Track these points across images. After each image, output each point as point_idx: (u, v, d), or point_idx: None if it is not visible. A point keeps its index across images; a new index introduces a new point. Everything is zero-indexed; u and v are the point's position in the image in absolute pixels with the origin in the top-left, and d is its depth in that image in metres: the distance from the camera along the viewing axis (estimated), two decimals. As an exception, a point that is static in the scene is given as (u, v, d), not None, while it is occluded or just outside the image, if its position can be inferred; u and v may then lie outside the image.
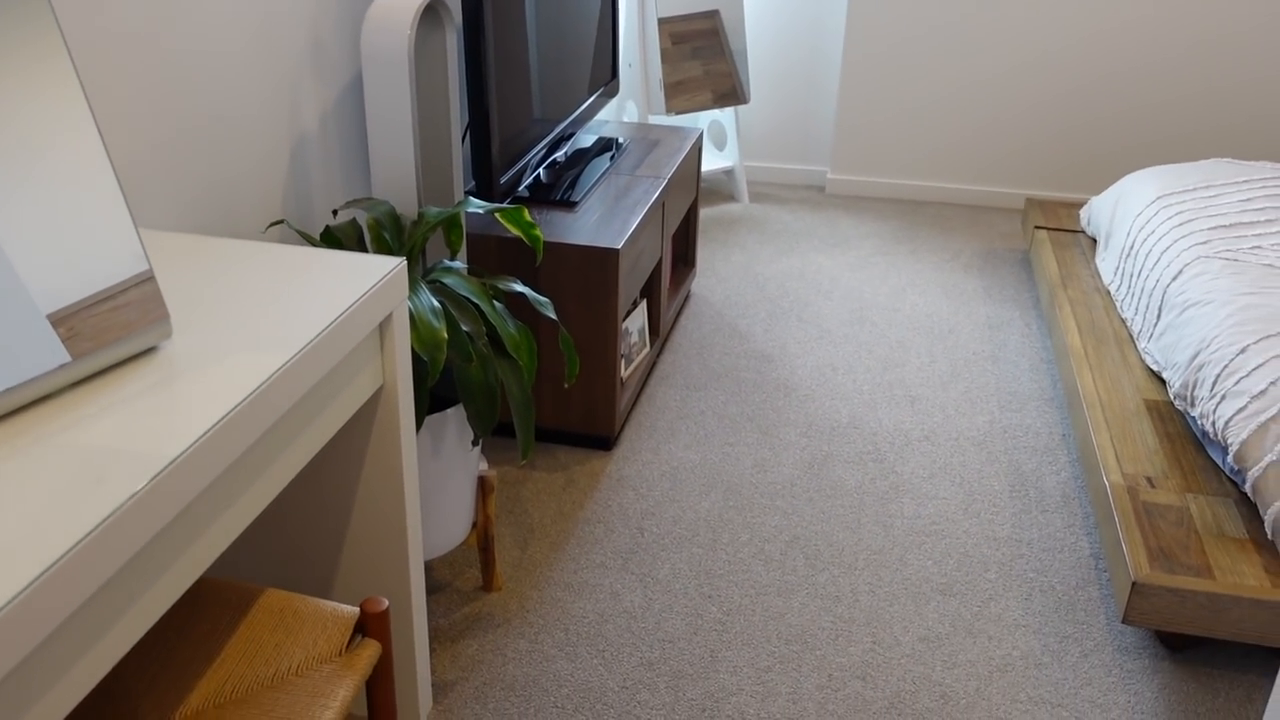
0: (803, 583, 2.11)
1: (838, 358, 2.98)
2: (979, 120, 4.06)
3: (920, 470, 2.48)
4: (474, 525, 2.04)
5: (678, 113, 3.79)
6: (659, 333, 2.90)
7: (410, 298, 1.65)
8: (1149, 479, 2.07)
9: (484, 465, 2.33)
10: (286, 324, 1.29)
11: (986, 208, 4.16)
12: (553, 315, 1.93)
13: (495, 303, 1.91)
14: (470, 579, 2.12)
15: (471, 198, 1.96)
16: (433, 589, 2.09)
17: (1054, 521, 2.30)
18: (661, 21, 3.78)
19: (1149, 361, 2.46)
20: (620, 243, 2.35)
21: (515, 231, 1.96)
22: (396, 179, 2.06)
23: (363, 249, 1.94)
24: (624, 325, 2.65)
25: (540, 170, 2.76)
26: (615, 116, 4.07)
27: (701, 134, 3.20)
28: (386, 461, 1.58)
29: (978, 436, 2.62)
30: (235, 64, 1.80)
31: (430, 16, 2.09)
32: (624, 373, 2.66)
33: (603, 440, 2.54)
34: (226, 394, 1.12)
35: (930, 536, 2.25)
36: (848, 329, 3.15)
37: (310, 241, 1.82)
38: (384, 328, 1.48)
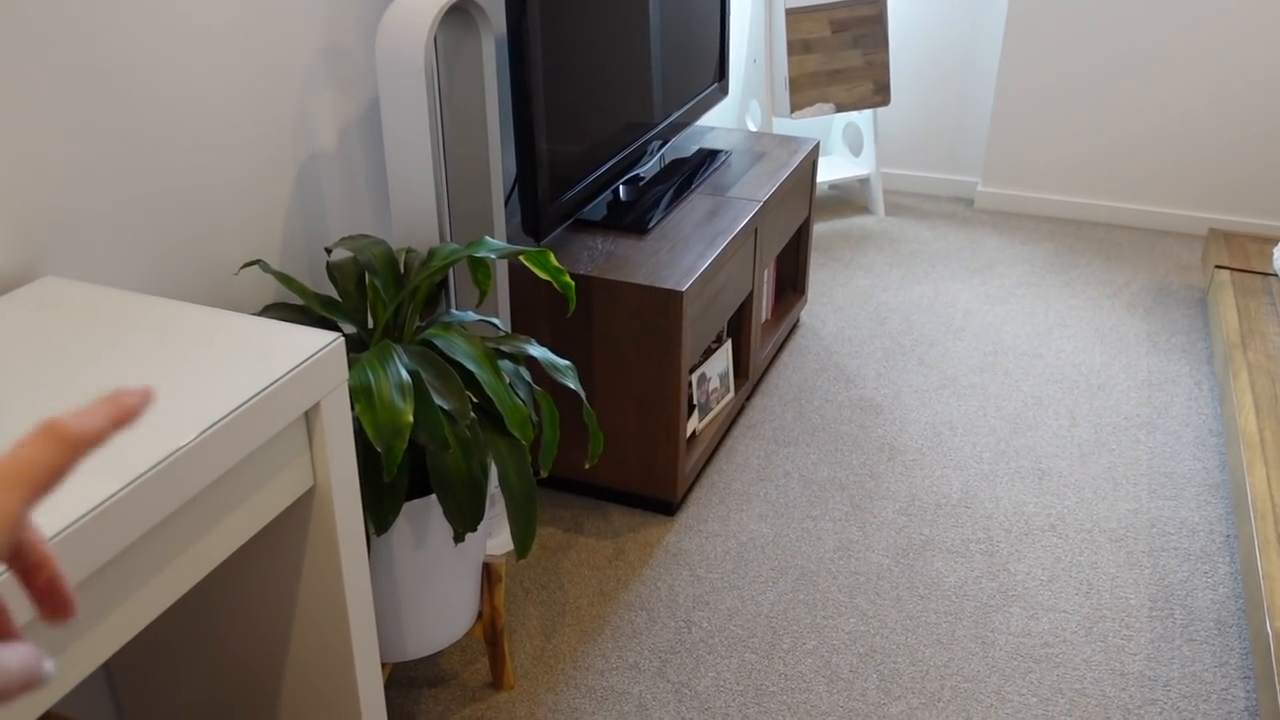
0: (871, 714, 1.74)
1: (958, 414, 2.56)
2: (1157, 129, 3.50)
3: (1039, 570, 2.05)
4: (480, 616, 1.75)
5: (834, 107, 3.40)
6: (748, 375, 2.54)
7: (372, 370, 1.37)
8: (1329, 631, 1.60)
9: (494, 545, 2.04)
10: (168, 416, 1.02)
11: (1163, 233, 3.60)
12: (573, 385, 1.61)
13: (506, 364, 1.61)
14: (480, 671, 1.83)
15: (488, 238, 1.66)
16: (435, 681, 1.82)
17: (1203, 657, 1.85)
18: (818, 8, 3.39)
19: (1344, 459, 1.96)
20: (687, 284, 2.00)
21: (544, 276, 1.65)
22: (416, 208, 1.79)
23: (363, 294, 1.67)
24: (701, 370, 2.31)
25: (620, 187, 2.44)
26: (736, 119, 3.70)
27: (817, 145, 2.81)
28: (324, 576, 1.30)
29: (1117, 530, 2.16)
30: (219, 67, 1.54)
31: (468, 21, 1.80)
32: (698, 425, 2.32)
33: (664, 505, 2.21)
34: (69, 504, 0.87)
35: (1040, 663, 1.84)
36: (976, 378, 2.72)
37: (290, 285, 1.56)
38: (311, 418, 1.20)
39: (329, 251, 1.68)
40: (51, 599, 0.45)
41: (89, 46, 1.33)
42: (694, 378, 2.29)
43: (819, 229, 3.62)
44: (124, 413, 0.44)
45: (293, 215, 1.77)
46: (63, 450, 0.42)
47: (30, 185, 1.29)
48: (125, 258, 1.45)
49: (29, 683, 0.41)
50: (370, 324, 1.67)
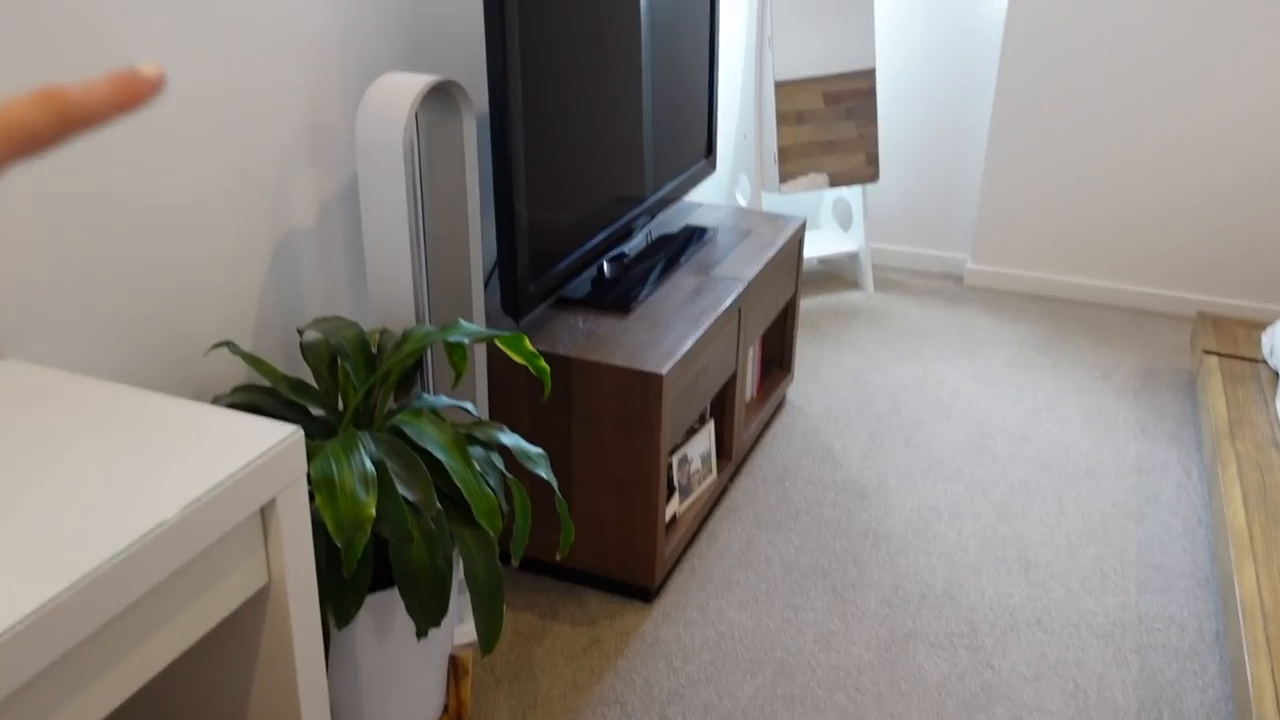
0: (848, 819, 1.68)
1: (944, 499, 2.52)
2: (1147, 208, 3.51)
3: (1023, 667, 2.00)
4: (446, 709, 1.69)
5: (827, 178, 3.40)
6: (731, 455, 2.51)
7: (335, 460, 1.33)
8: (1321, 743, 1.55)
9: (464, 635, 1.99)
10: (114, 513, 0.98)
11: (1152, 313, 3.59)
12: (544, 474, 1.57)
13: (478, 450, 1.58)
14: (446, 766, 1.77)
15: (463, 321, 1.63)
16: (398, 776, 1.75)
17: (1191, 762, 1.79)
18: (811, 80, 3.41)
19: (1335, 559, 1.92)
20: (667, 366, 1.98)
21: (519, 360, 1.62)
22: (393, 288, 1.76)
23: (335, 376, 1.64)
24: (683, 452, 2.28)
25: (605, 264, 2.42)
26: (725, 193, 3.71)
27: (803, 224, 2.80)
28: (278, 674, 1.25)
29: (1104, 625, 2.11)
30: (197, 142, 1.52)
31: (450, 101, 1.79)
32: (679, 508, 2.28)
33: (642, 591, 2.16)
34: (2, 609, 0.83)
35: (1024, 767, 1.78)
36: (963, 460, 2.68)
37: (259, 368, 1.53)
38: (267, 513, 1.16)
39: (301, 333, 1.66)
40: None
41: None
42: (675, 459, 2.25)
43: (808, 304, 3.61)
44: (129, 95, 0.40)
45: (268, 293, 1.74)
46: (54, 117, 0.38)
47: (-10, 267, 1.27)
48: (92, 336, 1.42)
49: None
50: (341, 407, 1.64)
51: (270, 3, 1.64)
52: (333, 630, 1.51)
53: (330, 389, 1.62)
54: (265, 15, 1.63)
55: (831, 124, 3.50)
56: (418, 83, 1.68)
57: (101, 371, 1.45)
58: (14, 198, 1.27)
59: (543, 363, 1.62)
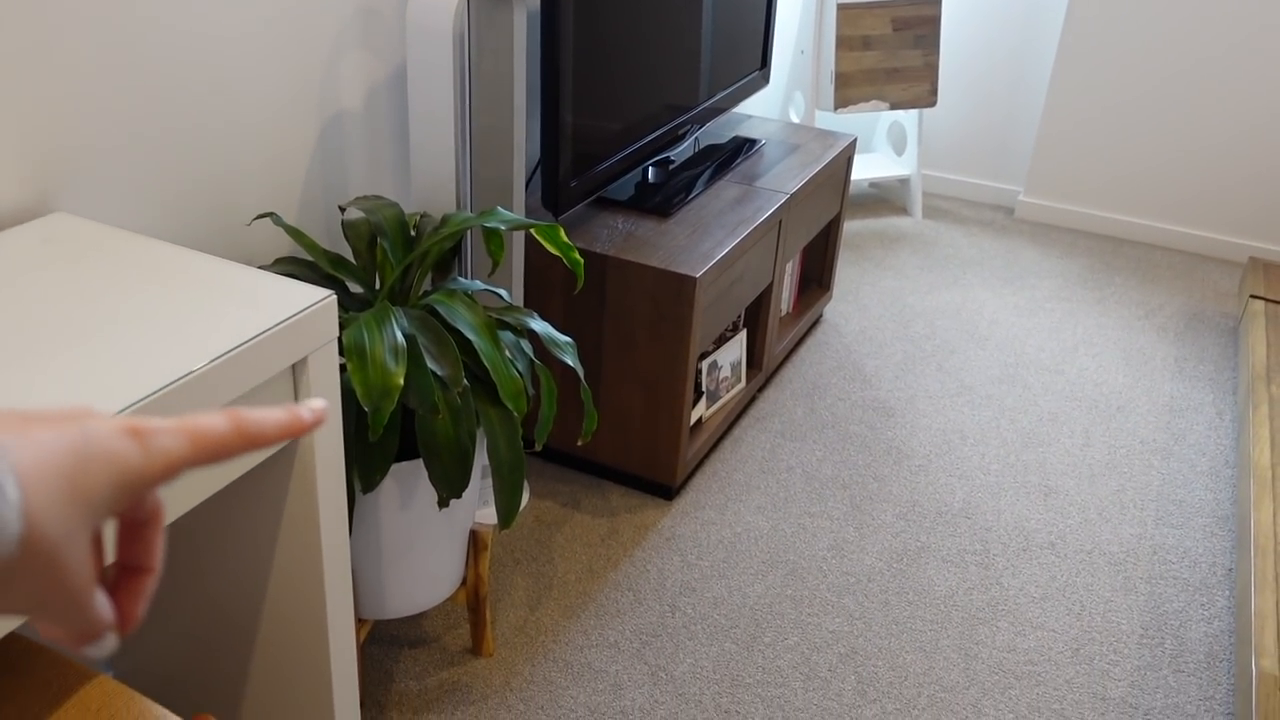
0: (845, 714, 1.74)
1: (970, 423, 2.54)
2: (1206, 151, 3.43)
3: (1032, 587, 2.03)
4: (464, 582, 1.77)
5: (889, 105, 3.37)
6: (761, 366, 2.53)
7: (368, 330, 1.38)
8: (1314, 674, 1.58)
9: (485, 514, 2.06)
10: (145, 361, 1.04)
11: (1204, 257, 3.54)
12: (571, 361, 1.62)
13: (508, 335, 1.62)
14: (461, 636, 1.85)
15: (501, 208, 1.67)
16: (416, 642, 1.84)
17: (1188, 688, 1.83)
18: (880, 5, 3.36)
19: (1354, 503, 1.93)
20: (701, 270, 2.00)
21: (553, 251, 1.66)
22: (435, 174, 1.80)
23: (374, 255, 1.68)
24: (713, 358, 2.31)
25: (649, 168, 2.43)
26: (779, 109, 3.67)
27: (853, 142, 2.79)
28: (302, 529, 1.32)
29: (1117, 553, 2.14)
30: (251, 11, 1.56)
31: (500, -12, 1.80)
32: (705, 412, 2.32)
33: (663, 489, 2.22)
34: None
35: (1021, 679, 1.82)
36: (993, 388, 2.69)
37: (300, 241, 1.57)
38: (299, 372, 1.22)
39: (343, 210, 1.70)
40: (127, 599, 0.45)
41: (116, -11, 1.35)
42: (705, 364, 2.29)
43: (853, 226, 3.59)
44: (297, 425, 0.46)
45: (313, 170, 1.78)
46: (238, 437, 0.44)
47: (46, 119, 1.32)
48: (140, 198, 1.47)
49: (101, 638, 0.42)
50: (378, 284, 1.69)
51: (328, -120, 1.65)
52: (359, 496, 1.58)
53: (368, 266, 1.67)
54: (322, -108, 1.65)
55: (898, 51, 3.45)
56: (469, -32, 1.69)
57: (147, 232, 1.50)
58: (70, 53, 1.31)
59: (577, 255, 1.65)
